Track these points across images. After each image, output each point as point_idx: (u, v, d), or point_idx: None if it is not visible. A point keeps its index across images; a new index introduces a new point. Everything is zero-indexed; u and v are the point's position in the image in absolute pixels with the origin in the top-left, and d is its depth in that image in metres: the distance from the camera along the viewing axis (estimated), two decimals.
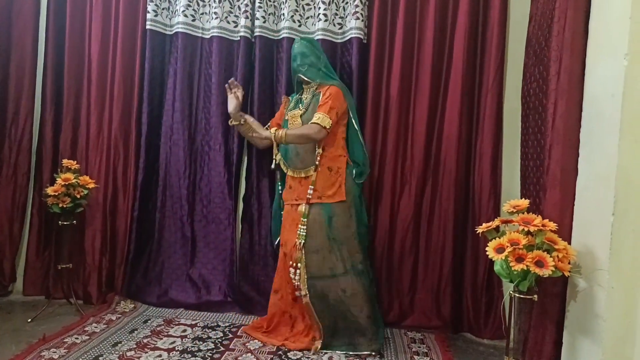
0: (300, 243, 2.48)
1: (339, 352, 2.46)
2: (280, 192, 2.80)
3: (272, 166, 2.59)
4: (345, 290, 2.48)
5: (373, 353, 2.45)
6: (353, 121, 2.61)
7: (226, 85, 2.78)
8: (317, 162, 2.51)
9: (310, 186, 2.50)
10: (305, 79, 2.60)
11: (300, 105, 2.64)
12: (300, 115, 2.59)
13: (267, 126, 2.80)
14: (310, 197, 2.50)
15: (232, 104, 2.76)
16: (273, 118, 2.85)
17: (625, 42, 1.51)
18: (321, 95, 2.54)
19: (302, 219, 2.50)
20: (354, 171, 2.58)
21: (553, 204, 1.85)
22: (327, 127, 2.44)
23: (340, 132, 2.58)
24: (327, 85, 2.56)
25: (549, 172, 1.91)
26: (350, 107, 2.60)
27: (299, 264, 2.48)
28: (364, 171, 2.66)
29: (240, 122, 2.76)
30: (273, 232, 2.89)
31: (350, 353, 2.45)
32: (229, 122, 2.82)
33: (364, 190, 2.84)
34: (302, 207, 2.51)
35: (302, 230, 2.49)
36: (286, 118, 2.68)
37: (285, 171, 2.66)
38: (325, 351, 2.47)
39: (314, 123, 2.45)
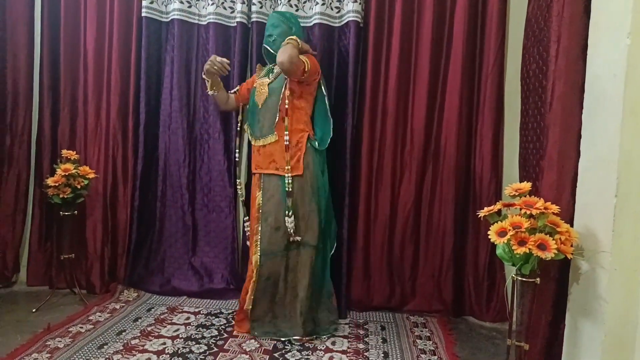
0: (257, 217, 2.49)
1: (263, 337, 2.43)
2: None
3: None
4: (288, 268, 2.47)
5: (296, 338, 2.40)
6: (326, 97, 2.57)
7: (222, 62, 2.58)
8: (274, 131, 2.47)
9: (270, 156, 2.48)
10: (272, 51, 2.53)
11: (270, 74, 2.60)
12: (268, 84, 2.53)
13: (234, 90, 2.80)
14: (268, 167, 2.48)
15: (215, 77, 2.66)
16: (240, 86, 2.80)
17: (628, 21, 1.48)
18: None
19: (258, 189, 2.52)
20: (316, 144, 2.50)
21: (549, 186, 1.84)
22: (306, 65, 2.36)
23: (305, 107, 2.51)
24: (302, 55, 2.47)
25: (546, 154, 1.90)
26: (322, 83, 2.56)
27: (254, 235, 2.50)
28: (325, 136, 2.57)
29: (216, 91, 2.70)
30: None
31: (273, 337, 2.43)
32: (209, 92, 2.70)
33: (362, 177, 2.84)
34: (262, 181, 2.51)
35: (258, 200, 2.51)
36: (255, 85, 2.64)
37: (251, 138, 2.63)
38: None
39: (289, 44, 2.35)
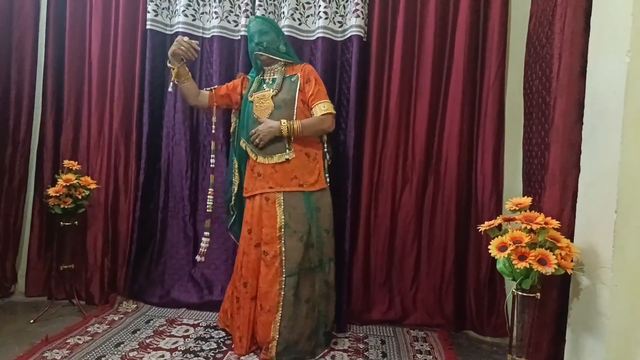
0: (280, 236, 2.33)
1: None
2: (229, 179, 2.67)
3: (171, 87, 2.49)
4: (315, 286, 2.40)
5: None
6: None
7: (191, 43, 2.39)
8: (290, 147, 2.37)
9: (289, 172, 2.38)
10: (268, 55, 2.42)
11: (264, 85, 2.46)
12: (272, 97, 2.39)
13: (211, 88, 2.60)
14: (290, 184, 2.37)
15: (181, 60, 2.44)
16: (220, 85, 2.64)
17: (627, 39, 1.50)
18: (299, 78, 2.42)
19: (280, 210, 2.35)
20: (328, 156, 2.51)
21: (552, 202, 1.85)
22: (335, 113, 2.45)
23: None
24: (299, 65, 2.49)
25: (548, 170, 1.91)
26: None
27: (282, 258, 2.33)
28: (330, 151, 2.57)
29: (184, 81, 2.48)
30: (233, 227, 2.70)
31: None
32: (178, 67, 2.41)
33: (364, 190, 2.87)
34: (281, 198, 2.36)
35: (281, 222, 2.34)
36: (250, 100, 2.46)
37: (254, 158, 2.44)
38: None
39: (326, 114, 2.38)
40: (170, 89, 2.57)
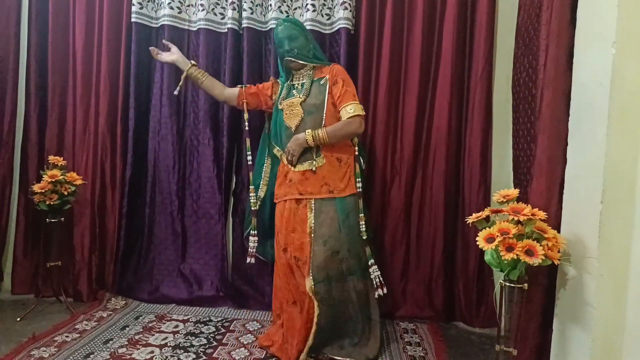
0: (310, 240, 2.27)
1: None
2: (256, 183, 2.58)
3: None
4: (356, 290, 2.32)
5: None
6: None
7: (153, 50, 2.57)
8: (321, 153, 2.32)
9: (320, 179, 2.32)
10: (300, 62, 2.37)
11: (294, 91, 2.41)
12: (301, 103, 2.35)
13: (241, 86, 2.61)
14: (320, 191, 2.31)
15: (176, 54, 2.55)
16: (252, 86, 2.60)
17: (613, 30, 1.51)
18: (327, 81, 2.34)
19: (311, 215, 2.29)
20: (360, 160, 2.42)
21: (539, 193, 1.86)
22: (364, 114, 2.32)
23: None
24: (327, 66, 2.40)
25: (535, 161, 1.92)
26: None
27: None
28: (363, 155, 2.52)
29: (191, 64, 2.54)
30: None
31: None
32: (188, 71, 2.52)
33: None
34: (312, 203, 2.31)
35: (312, 227, 2.28)
36: (280, 108, 2.44)
37: (288, 164, 2.39)
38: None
39: (354, 116, 2.26)
40: (175, 92, 2.60)
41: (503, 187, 2.22)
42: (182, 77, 2.54)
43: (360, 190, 2.35)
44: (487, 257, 1.72)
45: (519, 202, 1.76)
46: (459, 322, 2.83)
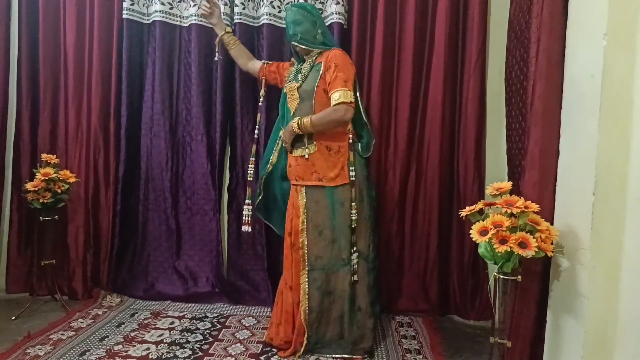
0: (303, 229, 2.28)
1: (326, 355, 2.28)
2: (266, 157, 2.57)
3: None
4: (348, 280, 2.28)
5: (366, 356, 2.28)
6: (359, 99, 2.37)
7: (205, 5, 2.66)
8: (313, 140, 2.29)
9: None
10: (303, 47, 2.36)
11: (298, 76, 2.38)
12: (297, 88, 2.34)
13: (264, 62, 2.70)
14: (310, 178, 2.29)
15: (216, 18, 2.69)
16: (274, 63, 2.67)
17: (604, 22, 1.51)
18: (322, 66, 2.28)
19: (302, 202, 2.30)
20: (359, 147, 2.36)
21: (532, 185, 1.86)
22: (352, 101, 2.20)
23: None
24: (327, 52, 2.32)
25: (527, 154, 1.93)
26: (356, 83, 2.35)
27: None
28: (370, 142, 2.43)
29: (225, 31, 2.69)
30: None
31: (338, 356, 2.27)
32: (220, 36, 2.68)
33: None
34: (304, 190, 2.31)
35: (303, 215, 2.29)
36: (285, 91, 2.45)
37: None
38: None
39: (338, 104, 2.17)
40: (215, 59, 2.75)
41: (497, 180, 2.23)
42: (217, 41, 2.72)
43: (353, 179, 2.28)
44: (481, 250, 1.73)
45: (512, 195, 1.77)
46: (454, 315, 2.84)
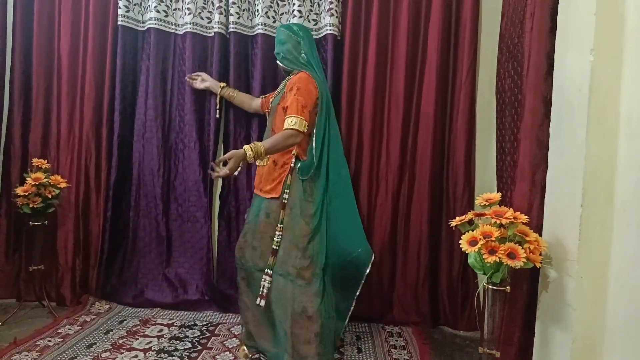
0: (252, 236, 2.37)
1: None
2: None
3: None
4: (286, 288, 2.20)
5: None
6: (322, 118, 2.31)
7: (189, 79, 2.90)
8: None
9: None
10: (283, 65, 2.41)
11: (279, 95, 2.44)
12: (271, 105, 2.47)
13: (262, 97, 2.76)
14: (261, 187, 2.37)
15: (209, 80, 2.87)
16: (271, 94, 2.65)
17: (590, 38, 1.55)
18: (286, 87, 2.33)
19: (252, 209, 2.44)
20: (297, 167, 2.26)
21: (521, 197, 1.89)
22: (303, 130, 2.14)
23: None
24: (297, 73, 2.34)
25: (517, 165, 1.95)
26: (322, 100, 2.30)
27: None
28: (311, 166, 2.28)
29: (221, 87, 2.83)
30: None
31: None
32: (220, 93, 2.85)
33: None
34: (255, 196, 2.44)
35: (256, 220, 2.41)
36: (267, 111, 2.56)
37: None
38: None
39: (288, 129, 2.13)
40: (217, 116, 2.93)
41: (487, 191, 2.25)
42: (217, 100, 2.89)
43: (285, 201, 2.23)
44: (470, 260, 1.74)
45: (502, 206, 1.79)
46: (444, 326, 2.84)
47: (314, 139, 2.29)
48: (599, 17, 1.54)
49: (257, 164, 2.43)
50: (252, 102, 2.81)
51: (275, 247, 2.23)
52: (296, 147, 2.26)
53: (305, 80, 2.27)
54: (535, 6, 1.91)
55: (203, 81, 2.88)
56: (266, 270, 2.23)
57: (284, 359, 2.21)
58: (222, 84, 2.85)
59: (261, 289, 2.23)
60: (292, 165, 2.26)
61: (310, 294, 2.18)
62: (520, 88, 2.09)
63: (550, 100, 1.81)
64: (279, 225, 2.23)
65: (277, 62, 2.46)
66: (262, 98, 2.75)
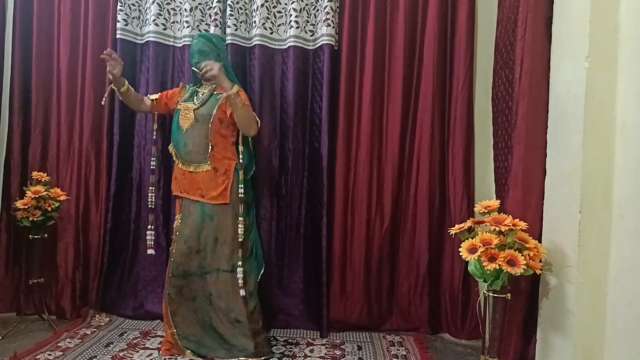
0: (174, 237, 2.52)
1: None
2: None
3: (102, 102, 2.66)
4: (216, 288, 2.46)
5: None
6: None
7: (104, 56, 2.46)
8: (208, 160, 2.46)
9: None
10: (206, 77, 2.45)
11: (195, 98, 2.55)
12: (194, 110, 2.49)
13: (153, 98, 2.70)
14: (194, 193, 2.48)
15: (117, 67, 2.47)
16: (162, 95, 2.71)
17: (585, 45, 1.57)
18: (223, 98, 2.43)
19: (178, 212, 2.55)
20: (239, 172, 2.49)
21: (515, 202, 1.90)
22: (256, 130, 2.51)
23: (230, 135, 2.51)
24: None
25: (511, 172, 1.96)
26: None
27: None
28: (250, 168, 2.61)
29: (122, 87, 2.56)
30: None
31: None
32: (111, 86, 2.54)
33: (337, 197, 2.88)
34: (182, 201, 2.53)
35: (177, 222, 2.53)
36: (178, 108, 2.58)
37: (175, 160, 2.58)
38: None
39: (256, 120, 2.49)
40: (102, 102, 2.69)
41: (486, 198, 2.26)
42: (110, 87, 2.56)
43: (242, 196, 2.47)
44: (470, 268, 1.75)
45: (501, 213, 1.79)
46: (445, 334, 2.83)
47: (251, 148, 2.63)
48: (594, 25, 1.55)
49: (186, 168, 2.51)
50: (141, 104, 2.72)
51: (240, 240, 2.45)
52: (232, 152, 2.51)
53: (243, 95, 2.47)
54: (527, 13, 1.93)
55: (116, 67, 2.47)
56: (239, 263, 2.44)
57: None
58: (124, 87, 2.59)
59: (240, 280, 2.43)
60: (234, 170, 2.49)
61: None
62: (511, 95, 2.11)
63: (545, 106, 1.83)
64: (240, 218, 2.46)
65: (194, 69, 2.51)
66: (153, 101, 2.70)
